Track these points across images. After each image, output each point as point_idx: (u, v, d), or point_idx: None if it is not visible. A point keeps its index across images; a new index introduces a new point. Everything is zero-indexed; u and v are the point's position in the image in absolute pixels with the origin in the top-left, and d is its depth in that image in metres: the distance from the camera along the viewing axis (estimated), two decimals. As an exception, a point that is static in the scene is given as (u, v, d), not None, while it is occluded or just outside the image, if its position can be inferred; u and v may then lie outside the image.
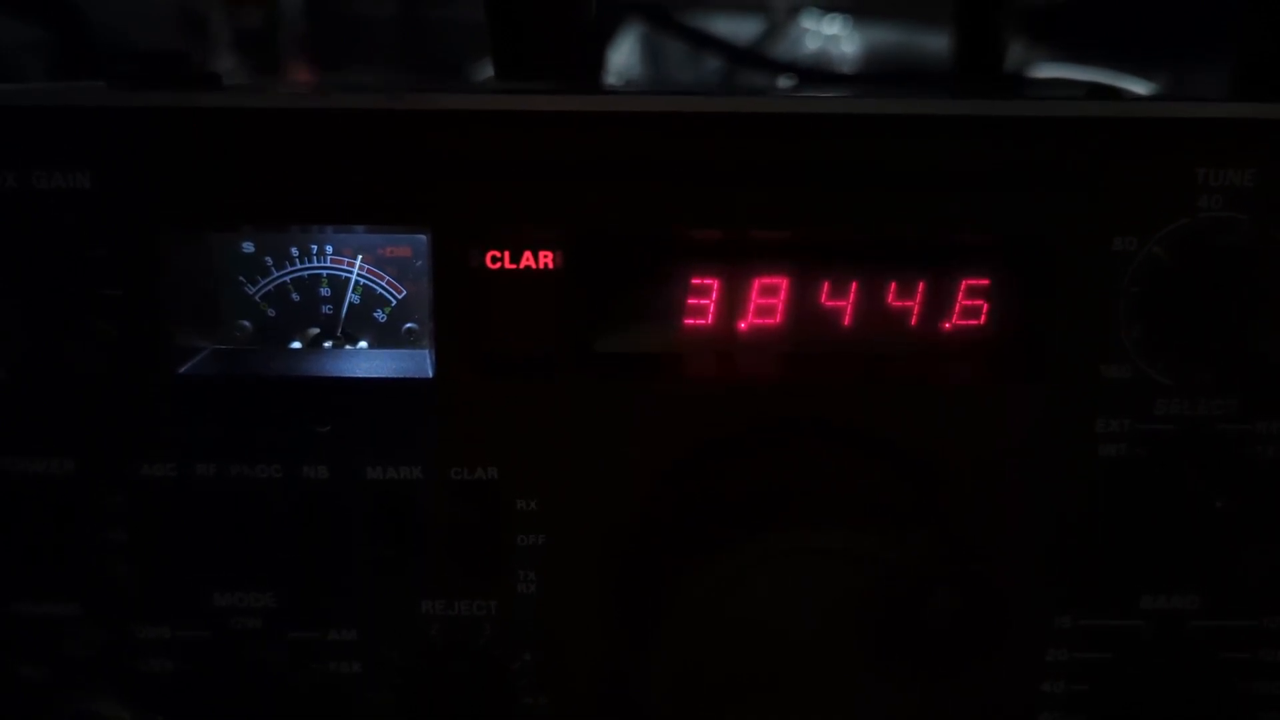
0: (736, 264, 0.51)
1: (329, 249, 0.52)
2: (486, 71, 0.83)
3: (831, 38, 1.34)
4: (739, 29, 1.29)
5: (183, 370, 0.50)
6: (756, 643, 0.48)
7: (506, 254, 0.49)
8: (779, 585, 0.47)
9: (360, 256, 0.53)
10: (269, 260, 0.52)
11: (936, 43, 1.17)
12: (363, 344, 0.54)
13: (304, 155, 0.48)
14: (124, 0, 1.06)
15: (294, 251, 0.52)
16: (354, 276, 0.53)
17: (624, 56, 1.26)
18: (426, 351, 0.51)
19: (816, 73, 1.20)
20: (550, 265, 0.49)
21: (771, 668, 0.48)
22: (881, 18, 1.38)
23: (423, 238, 0.50)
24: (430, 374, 0.50)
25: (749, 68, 1.22)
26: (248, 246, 0.52)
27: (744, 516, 0.48)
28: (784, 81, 1.13)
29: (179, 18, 1.19)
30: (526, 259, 0.49)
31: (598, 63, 0.89)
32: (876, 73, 1.29)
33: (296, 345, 0.53)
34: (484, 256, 0.49)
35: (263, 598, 0.53)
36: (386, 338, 0.53)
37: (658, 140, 0.48)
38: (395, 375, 0.51)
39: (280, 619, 0.53)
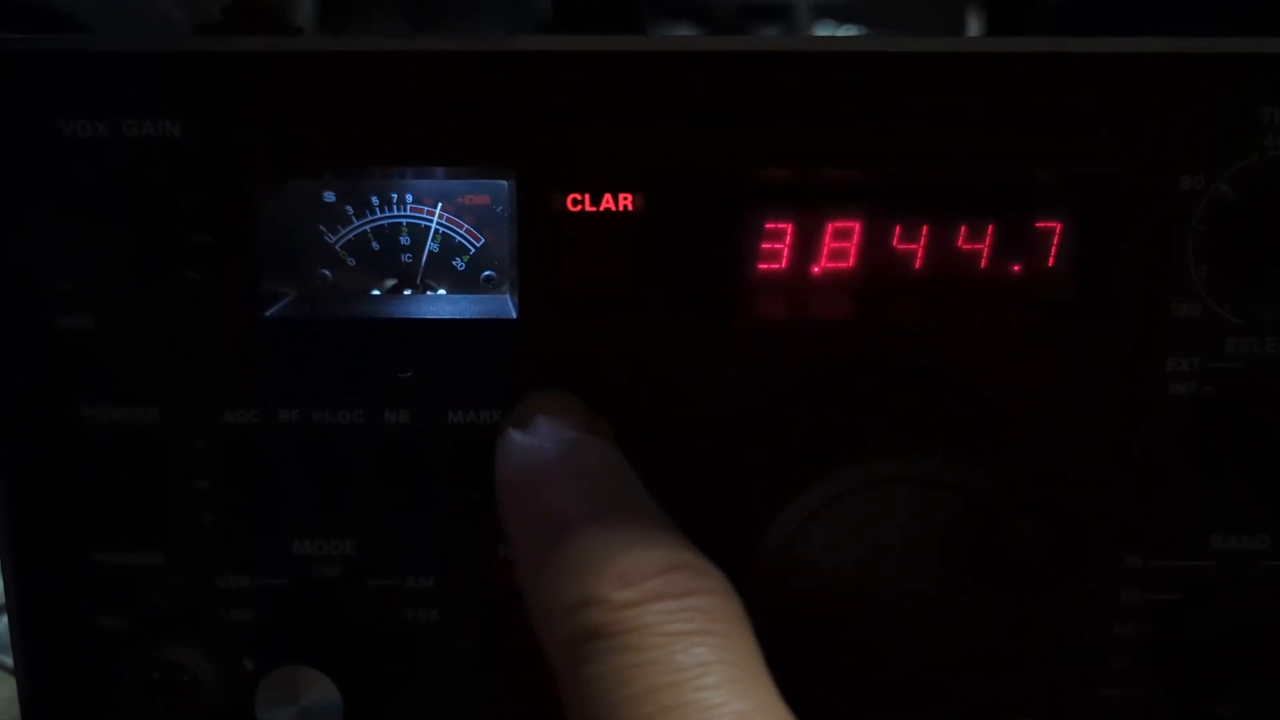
0: (811, 208, 0.52)
1: (409, 198, 0.53)
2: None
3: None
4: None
5: (269, 314, 0.51)
6: (841, 574, 0.48)
7: (587, 196, 0.50)
8: (859, 517, 0.47)
9: (441, 205, 0.53)
10: (349, 209, 0.53)
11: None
12: (441, 291, 0.54)
13: (390, 98, 0.49)
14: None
15: (374, 200, 0.53)
16: (434, 225, 0.53)
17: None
18: (507, 296, 0.52)
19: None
20: (630, 208, 0.50)
21: (857, 596, 0.49)
22: (897, 28, 1.39)
23: (503, 185, 0.51)
24: (514, 315, 0.51)
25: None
26: (329, 196, 0.53)
27: (821, 452, 0.48)
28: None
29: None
30: (606, 201, 0.50)
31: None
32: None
33: (376, 294, 0.54)
34: (565, 199, 0.50)
35: (342, 545, 0.53)
36: (464, 286, 0.54)
37: (735, 81, 0.49)
38: (479, 316, 0.51)
39: (359, 566, 0.53)
